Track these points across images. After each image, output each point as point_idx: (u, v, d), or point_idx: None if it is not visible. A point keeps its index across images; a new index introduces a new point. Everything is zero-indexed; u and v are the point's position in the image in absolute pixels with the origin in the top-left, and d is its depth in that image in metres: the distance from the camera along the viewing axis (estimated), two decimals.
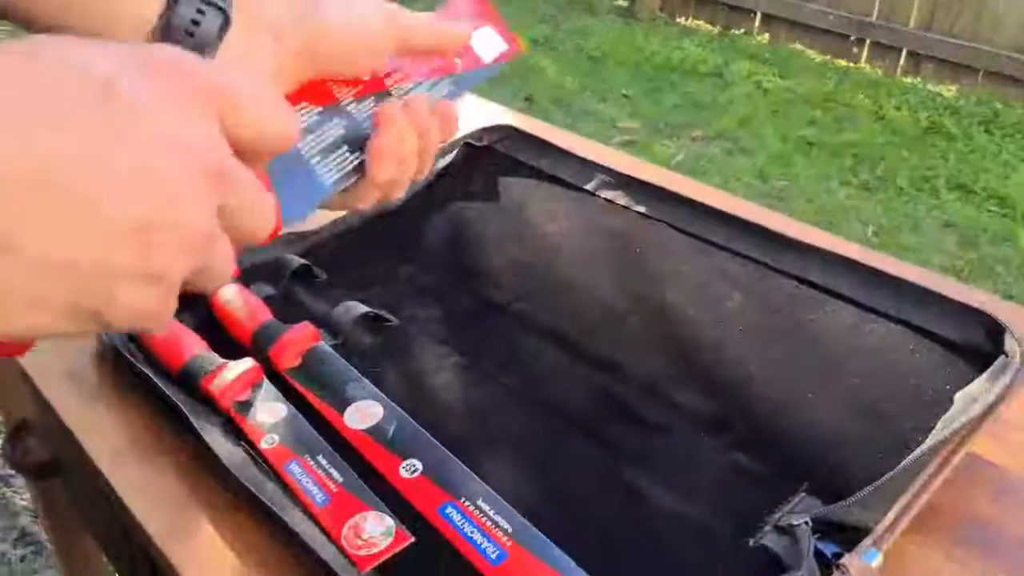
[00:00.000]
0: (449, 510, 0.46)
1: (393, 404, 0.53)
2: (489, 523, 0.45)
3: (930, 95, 3.12)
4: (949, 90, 3.15)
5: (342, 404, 0.53)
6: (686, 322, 0.59)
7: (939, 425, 0.47)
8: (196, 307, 0.62)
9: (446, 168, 0.75)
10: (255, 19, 0.40)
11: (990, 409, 0.47)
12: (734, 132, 2.92)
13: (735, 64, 3.39)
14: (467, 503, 0.46)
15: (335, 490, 0.48)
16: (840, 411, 0.51)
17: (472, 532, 0.45)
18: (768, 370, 0.54)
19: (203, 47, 0.38)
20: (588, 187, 0.70)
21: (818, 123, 2.97)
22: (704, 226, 0.64)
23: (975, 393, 0.48)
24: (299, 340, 0.57)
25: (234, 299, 0.61)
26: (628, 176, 0.69)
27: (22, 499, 1.49)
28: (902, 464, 0.45)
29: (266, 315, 0.60)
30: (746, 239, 0.62)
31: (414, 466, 0.49)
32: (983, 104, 3.01)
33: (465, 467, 0.49)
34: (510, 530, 0.45)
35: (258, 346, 0.57)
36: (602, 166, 0.71)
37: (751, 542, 0.44)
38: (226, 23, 0.39)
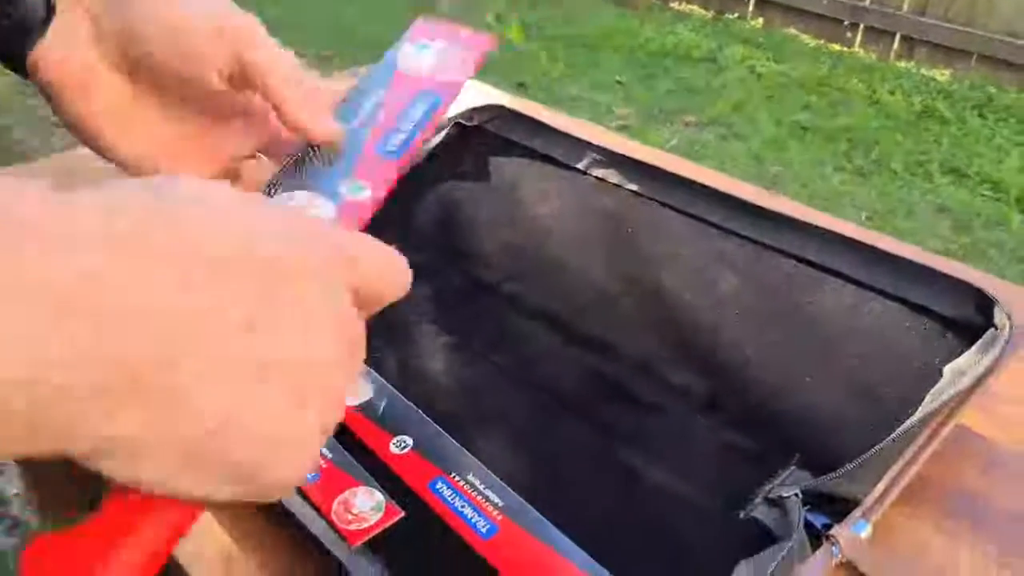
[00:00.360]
0: (439, 485, 0.46)
1: (384, 381, 0.53)
2: (480, 498, 0.45)
3: (924, 79, 3.12)
4: (943, 74, 3.15)
5: None
6: (679, 302, 0.59)
7: (928, 398, 0.47)
8: None
9: (436, 148, 0.75)
10: (75, 3, 0.40)
11: (979, 382, 0.47)
12: (728, 117, 2.92)
13: (729, 49, 3.38)
14: (457, 478, 0.46)
15: (324, 466, 0.48)
16: (830, 386, 0.51)
17: (463, 507, 0.45)
18: (760, 348, 0.54)
19: (29, 31, 0.39)
20: (580, 166, 0.70)
21: (812, 108, 2.96)
22: (699, 205, 0.63)
23: (964, 366, 0.48)
24: None
25: None
26: (621, 155, 0.69)
27: (14, 488, 1.49)
28: (891, 436, 0.45)
29: None
30: (741, 218, 0.62)
31: (404, 442, 0.49)
32: (977, 88, 3.01)
33: (456, 443, 0.49)
34: (501, 504, 0.45)
35: None
36: (595, 145, 0.70)
37: (742, 515, 0.44)
38: (50, 13, 0.39)
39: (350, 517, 0.45)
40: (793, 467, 0.46)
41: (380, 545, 0.44)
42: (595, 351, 0.56)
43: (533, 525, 0.44)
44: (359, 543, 0.43)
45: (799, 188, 2.50)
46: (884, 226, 2.32)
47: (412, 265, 0.65)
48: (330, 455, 0.48)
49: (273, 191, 0.45)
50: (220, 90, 0.42)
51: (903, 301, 0.54)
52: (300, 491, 0.46)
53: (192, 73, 0.41)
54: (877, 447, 0.44)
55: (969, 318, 0.52)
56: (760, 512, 0.44)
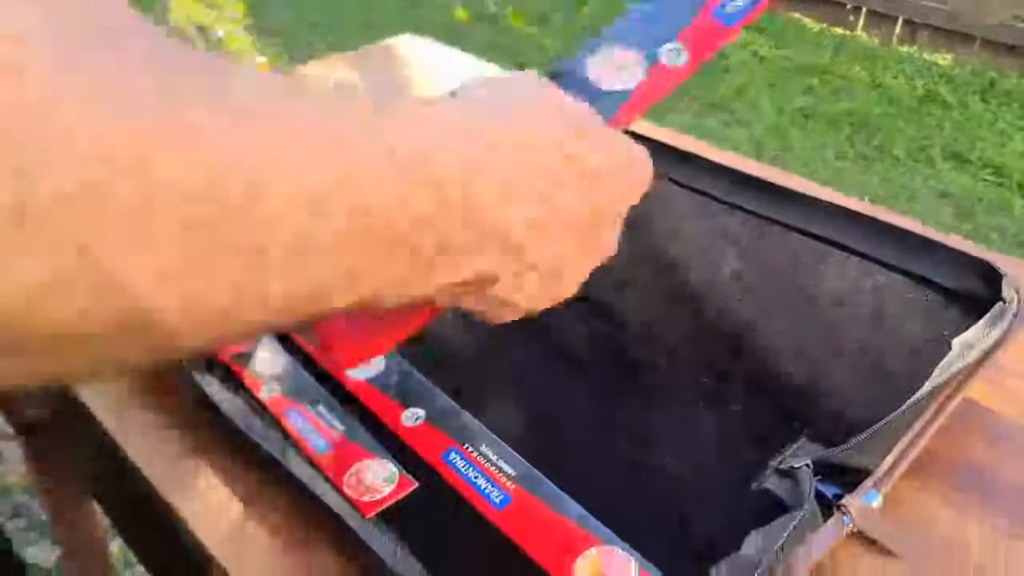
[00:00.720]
0: (452, 456, 0.46)
1: (395, 354, 0.53)
2: (492, 468, 0.45)
3: (926, 64, 3.11)
4: (945, 59, 3.13)
5: None
6: (685, 276, 0.59)
7: (936, 371, 0.48)
8: None
9: None
10: None
11: (987, 355, 0.47)
12: (730, 102, 2.91)
13: None
14: (471, 449, 0.47)
15: (336, 438, 0.48)
16: (839, 359, 0.51)
17: (476, 477, 0.45)
18: (768, 320, 0.54)
19: None
20: None
21: (815, 93, 2.96)
22: (704, 179, 0.63)
23: (972, 339, 0.48)
24: None
25: None
26: (626, 129, 0.69)
27: (13, 474, 1.49)
28: (901, 408, 0.45)
29: None
30: (746, 192, 0.62)
31: (417, 414, 0.49)
32: (979, 73, 3.00)
33: (468, 414, 0.49)
34: (514, 475, 0.45)
35: None
36: None
37: (754, 485, 0.44)
38: None
39: (363, 488, 0.45)
40: (803, 439, 0.47)
41: (394, 516, 0.44)
42: (604, 318, 0.57)
43: (547, 495, 0.44)
44: (372, 514, 0.44)
45: (802, 173, 2.49)
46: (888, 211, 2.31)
47: None
48: (342, 428, 0.48)
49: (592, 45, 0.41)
50: None
51: (910, 274, 0.54)
52: (312, 462, 0.46)
53: None
54: (887, 418, 0.44)
55: (977, 292, 0.52)
56: (771, 483, 0.44)
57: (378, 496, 0.44)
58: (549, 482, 0.45)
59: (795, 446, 0.46)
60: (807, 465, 0.44)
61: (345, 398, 0.51)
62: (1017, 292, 0.49)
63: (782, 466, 0.45)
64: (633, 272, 0.60)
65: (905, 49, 3.23)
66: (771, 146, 2.66)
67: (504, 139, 0.30)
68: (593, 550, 0.41)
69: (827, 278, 0.56)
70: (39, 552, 1.41)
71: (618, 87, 0.40)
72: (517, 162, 0.31)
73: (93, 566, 1.07)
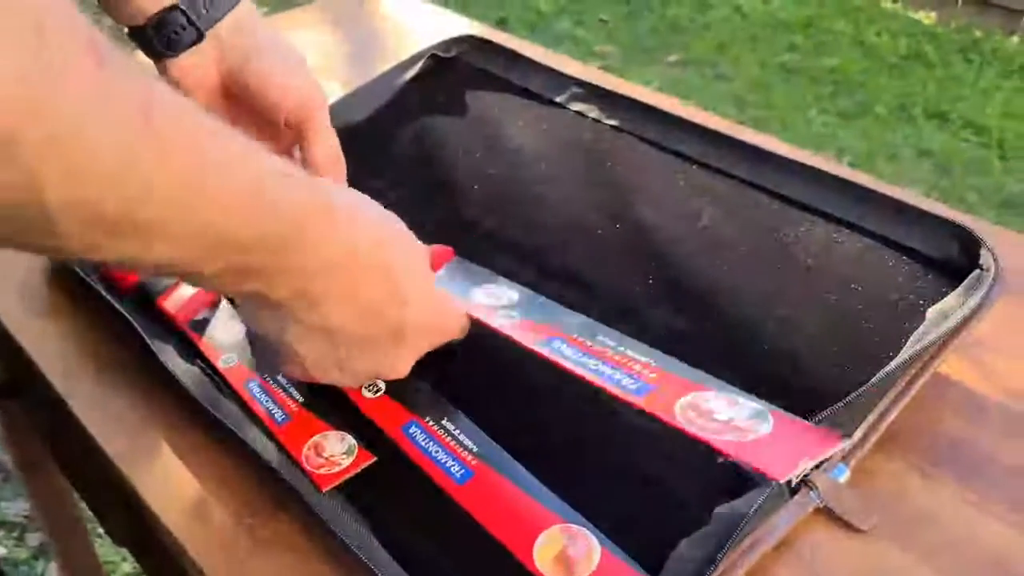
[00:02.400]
0: (413, 429, 0.45)
1: None
2: (453, 442, 0.44)
3: (910, 21, 3.08)
4: (929, 17, 3.10)
5: None
6: (658, 239, 0.57)
7: (910, 341, 0.47)
8: None
9: (412, 80, 0.73)
10: (213, 34, 0.53)
11: (963, 324, 0.46)
12: (712, 57, 2.87)
13: None
14: (431, 422, 0.45)
15: (295, 409, 0.46)
16: (812, 328, 0.50)
17: (436, 451, 0.44)
18: (740, 287, 0.53)
19: (175, 49, 0.52)
20: (559, 100, 0.68)
21: (798, 49, 2.92)
22: (678, 140, 0.62)
23: (948, 308, 0.47)
24: None
25: None
26: (601, 88, 0.67)
27: None
28: (872, 380, 0.44)
29: None
30: (721, 153, 0.60)
31: (376, 386, 0.48)
32: (962, 31, 2.97)
33: (429, 387, 0.48)
34: (476, 450, 0.44)
35: None
36: (574, 78, 0.68)
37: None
38: (199, 38, 0.53)
39: (321, 461, 0.44)
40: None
41: (353, 490, 0.43)
42: (573, 287, 0.55)
43: (509, 471, 0.43)
44: (329, 487, 0.43)
45: (782, 130, 2.48)
46: (866, 169, 2.31)
47: (389, 202, 0.63)
48: (301, 399, 0.47)
49: None
50: (282, 129, 0.54)
51: (886, 240, 0.53)
52: (271, 435, 0.45)
53: (268, 112, 0.54)
54: (858, 391, 0.43)
55: (954, 258, 0.51)
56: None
57: (336, 469, 0.43)
58: (511, 458, 0.44)
59: None
60: None
61: None
62: (995, 260, 0.48)
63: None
64: (603, 235, 0.59)
65: (889, 6, 3.20)
66: (753, 102, 2.63)
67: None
68: (555, 528, 0.40)
69: (801, 243, 0.54)
70: (12, 506, 1.40)
71: None
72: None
73: (61, 523, 1.06)
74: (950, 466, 0.44)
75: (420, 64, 0.73)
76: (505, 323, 0.49)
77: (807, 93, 2.67)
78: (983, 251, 0.49)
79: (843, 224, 0.54)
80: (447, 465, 0.43)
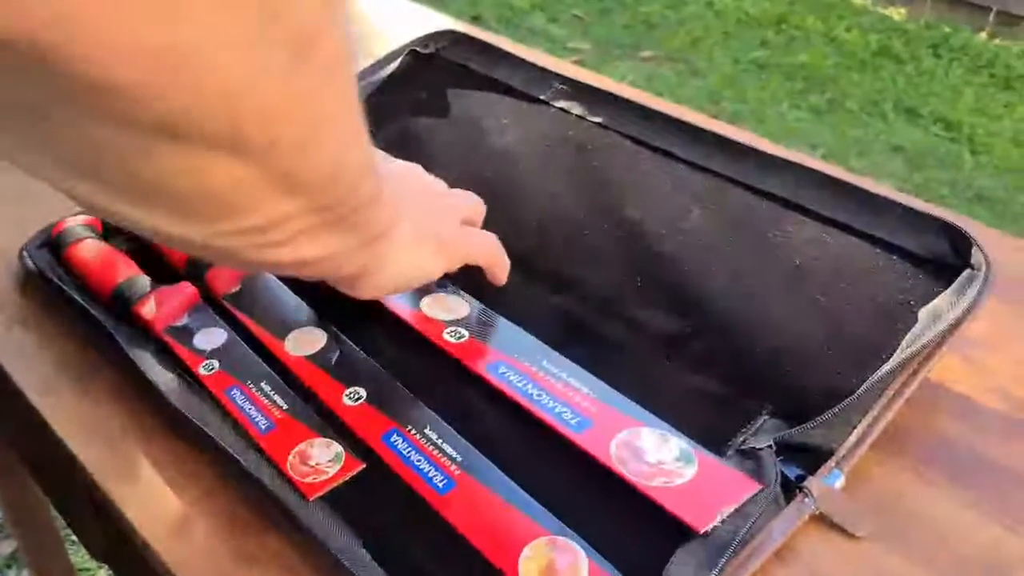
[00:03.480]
0: (394, 438, 0.44)
1: (336, 331, 0.51)
2: (436, 451, 0.43)
3: (880, 17, 3.11)
4: (899, 13, 3.14)
5: (284, 330, 0.51)
6: (645, 238, 0.57)
7: (904, 343, 0.46)
8: (127, 232, 0.58)
9: (391, 77, 0.71)
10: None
11: (955, 325, 0.46)
12: (686, 53, 2.88)
13: None
14: (412, 431, 0.44)
15: (279, 416, 0.45)
16: (803, 329, 0.50)
17: (418, 460, 0.43)
18: (730, 288, 0.52)
19: None
20: (543, 96, 0.67)
21: (770, 45, 2.94)
22: (663, 137, 0.61)
23: (940, 309, 0.47)
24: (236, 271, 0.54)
25: None
26: (585, 84, 0.66)
27: None
28: (865, 385, 0.43)
29: None
30: (707, 151, 0.59)
31: (358, 393, 0.47)
32: (932, 27, 3.00)
33: (411, 394, 0.47)
34: (458, 459, 0.43)
35: (194, 270, 0.54)
36: (557, 74, 0.67)
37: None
38: None
39: (307, 469, 0.43)
40: (765, 416, 0.45)
41: (339, 499, 0.42)
42: (559, 289, 0.54)
43: (493, 481, 0.42)
44: (316, 496, 0.41)
45: (756, 125, 2.49)
46: (839, 164, 2.32)
47: None
48: (285, 406, 0.46)
49: None
50: None
51: (876, 240, 0.52)
52: (255, 444, 0.44)
53: None
54: (853, 396, 0.43)
55: (944, 257, 0.50)
56: (733, 464, 0.43)
57: (323, 477, 0.42)
58: (496, 468, 0.43)
59: (758, 423, 0.45)
60: (770, 445, 0.42)
61: (287, 373, 0.48)
62: (986, 258, 0.48)
63: (744, 446, 0.43)
64: (588, 236, 0.58)
65: (859, 2, 3.23)
66: (726, 97, 2.64)
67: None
68: (542, 540, 0.39)
69: (791, 243, 0.54)
70: None
71: None
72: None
73: (33, 530, 1.04)
74: (945, 468, 0.44)
75: (398, 60, 0.72)
76: (454, 343, 0.49)
77: (780, 89, 2.69)
78: (974, 250, 0.48)
79: (834, 224, 0.53)
80: (429, 475, 0.42)
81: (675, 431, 0.44)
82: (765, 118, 2.54)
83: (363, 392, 0.47)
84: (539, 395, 0.46)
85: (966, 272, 0.48)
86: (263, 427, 0.45)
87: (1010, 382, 0.48)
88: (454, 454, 0.43)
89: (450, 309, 0.52)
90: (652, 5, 3.21)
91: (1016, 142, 2.42)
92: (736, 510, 0.40)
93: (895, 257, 0.51)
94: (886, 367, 0.44)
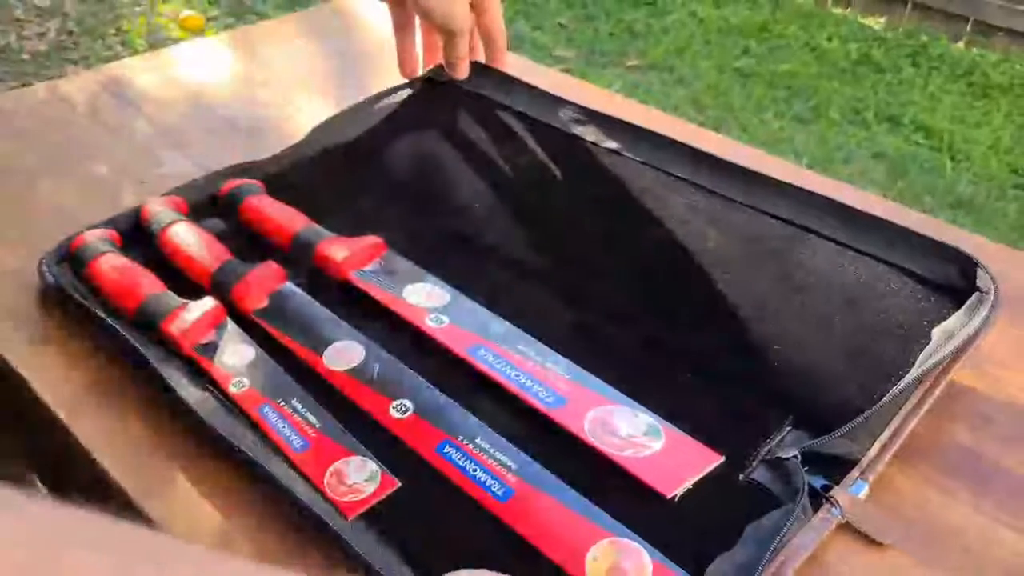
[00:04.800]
0: (447, 449, 0.45)
1: (373, 343, 0.51)
2: (491, 460, 0.44)
3: (860, 27, 3.15)
4: (878, 22, 3.18)
5: (320, 345, 0.51)
6: (671, 260, 0.58)
7: (920, 358, 0.48)
8: (146, 246, 0.58)
9: (406, 102, 0.72)
10: None
11: (968, 342, 0.47)
12: (670, 61, 2.90)
13: None
14: (465, 441, 0.45)
15: (313, 435, 0.46)
16: (820, 345, 0.51)
17: (475, 470, 0.44)
18: (751, 307, 0.54)
19: None
20: (555, 123, 0.68)
21: (752, 53, 2.97)
22: (680, 164, 0.62)
23: (952, 328, 0.49)
24: (265, 279, 0.55)
25: (187, 236, 0.57)
26: (596, 112, 0.67)
27: None
28: (886, 397, 0.45)
29: (224, 253, 0.56)
30: (723, 177, 0.61)
31: (405, 406, 0.47)
32: (911, 36, 3.05)
33: (457, 405, 0.47)
34: (513, 467, 0.44)
35: (219, 287, 0.54)
36: (569, 102, 0.68)
37: (740, 477, 0.44)
38: None
39: (344, 488, 0.43)
40: (789, 428, 0.46)
41: (379, 516, 0.42)
42: (579, 305, 0.55)
43: (549, 487, 0.43)
44: (355, 515, 0.42)
45: (740, 133, 2.52)
46: (823, 171, 2.34)
47: (384, 219, 0.63)
48: (318, 424, 0.46)
49: None
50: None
51: (889, 263, 0.54)
52: (291, 463, 0.44)
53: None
54: (876, 406, 0.44)
55: (953, 280, 0.52)
56: (760, 475, 0.44)
57: (360, 496, 0.43)
58: (548, 472, 0.44)
59: (782, 434, 0.46)
60: (796, 456, 0.43)
61: (322, 391, 0.49)
62: (993, 281, 0.50)
63: (769, 456, 0.44)
64: (606, 256, 0.59)
65: (839, 11, 3.26)
66: (711, 106, 2.66)
67: None
68: (605, 541, 0.40)
69: (809, 267, 0.55)
70: None
71: None
72: None
73: None
74: (966, 479, 0.45)
75: (413, 88, 0.73)
76: (435, 327, 0.52)
77: (763, 97, 2.71)
78: (980, 273, 0.50)
79: (847, 248, 0.55)
80: (486, 484, 0.43)
81: (643, 408, 0.47)
82: (749, 125, 2.57)
83: (410, 404, 0.47)
84: (516, 375, 0.48)
85: (976, 295, 0.50)
86: (297, 446, 0.45)
87: (1021, 393, 0.50)
88: (508, 462, 0.44)
89: (429, 296, 0.54)
90: (635, 13, 3.23)
91: (994, 149, 2.45)
92: (760, 526, 0.41)
93: (908, 281, 0.53)
94: (905, 380, 0.45)
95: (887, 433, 0.45)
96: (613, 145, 0.65)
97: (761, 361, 0.50)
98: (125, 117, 0.78)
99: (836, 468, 0.44)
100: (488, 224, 0.62)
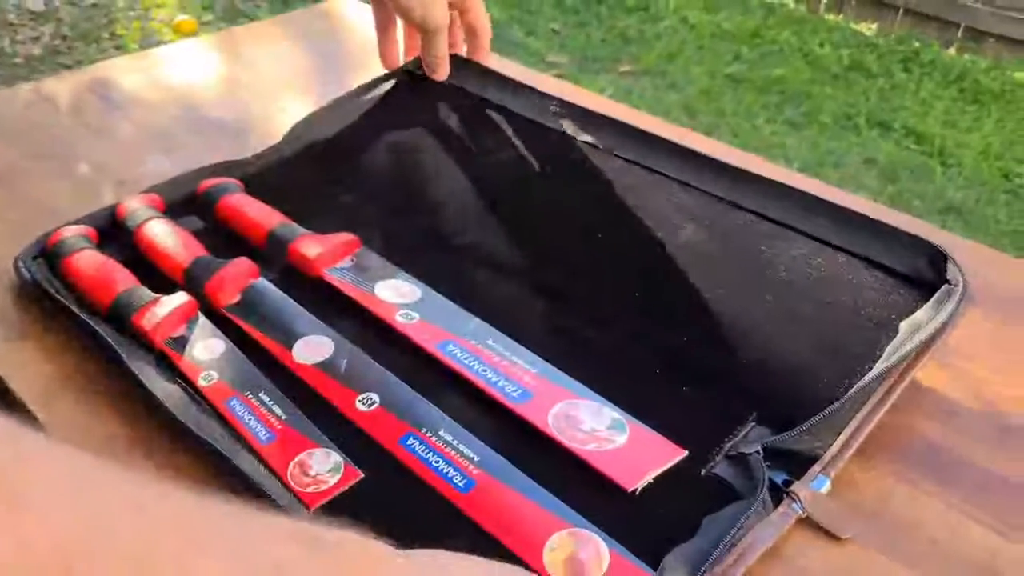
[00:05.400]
0: (411, 441, 0.45)
1: (342, 338, 0.52)
2: (453, 452, 0.45)
3: (852, 33, 3.16)
4: (870, 28, 3.19)
5: (290, 339, 0.51)
6: (637, 253, 0.58)
7: (886, 353, 0.48)
8: (122, 243, 0.58)
9: (385, 98, 0.73)
10: None
11: (935, 336, 0.48)
12: (663, 67, 2.91)
13: None
14: (428, 433, 0.46)
15: (279, 427, 0.46)
16: (788, 340, 0.51)
17: (437, 462, 0.44)
18: (719, 302, 0.54)
19: None
20: (535, 116, 0.68)
21: (744, 59, 2.98)
22: (656, 158, 0.63)
23: (920, 321, 0.49)
24: (238, 275, 0.55)
25: (162, 233, 0.58)
26: (576, 105, 0.68)
27: None
28: (850, 392, 0.45)
29: (199, 250, 0.57)
30: (695, 170, 0.61)
31: (371, 399, 0.48)
32: (902, 42, 3.06)
33: (424, 399, 0.48)
34: (476, 459, 0.44)
35: (192, 282, 0.55)
36: (552, 96, 0.69)
37: (703, 471, 0.44)
38: None
39: (307, 479, 0.44)
40: (752, 423, 0.47)
41: (343, 507, 0.42)
42: (553, 301, 0.56)
43: (510, 479, 0.43)
44: (317, 506, 0.42)
45: (732, 139, 2.52)
46: (813, 176, 2.35)
47: (362, 217, 0.63)
48: (284, 416, 0.47)
49: None
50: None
51: (858, 255, 0.54)
52: (257, 455, 0.45)
53: None
54: (838, 403, 0.45)
55: (922, 272, 0.52)
56: (721, 469, 0.44)
57: (323, 487, 0.43)
58: (509, 464, 0.44)
59: (745, 429, 0.46)
60: (758, 451, 0.44)
61: (291, 385, 0.49)
62: (962, 273, 0.50)
63: (732, 452, 0.45)
64: (580, 252, 0.59)
65: (831, 17, 3.28)
66: (703, 111, 2.67)
67: None
68: (563, 532, 0.40)
69: (776, 260, 0.56)
70: None
71: None
72: None
73: None
74: (929, 473, 0.46)
75: (392, 82, 0.74)
76: (405, 323, 0.52)
77: (755, 102, 2.73)
78: (950, 265, 0.51)
79: (817, 240, 0.56)
80: (448, 475, 0.43)
81: (609, 403, 0.47)
82: (741, 130, 2.58)
83: (376, 398, 0.48)
84: (484, 370, 0.49)
85: (944, 287, 0.50)
86: (263, 438, 0.45)
87: (988, 388, 0.50)
88: (471, 454, 0.44)
89: (401, 292, 0.55)
90: (628, 19, 3.24)
91: (984, 155, 2.47)
92: (727, 513, 0.41)
93: (876, 273, 0.53)
94: (869, 375, 0.46)
95: (850, 429, 0.45)
96: (589, 139, 0.66)
97: (728, 356, 0.51)
98: (110, 118, 0.79)
99: (799, 464, 0.45)
100: (464, 222, 0.62)
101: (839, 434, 0.45)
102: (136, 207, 0.60)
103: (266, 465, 0.44)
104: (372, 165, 0.68)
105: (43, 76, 2.67)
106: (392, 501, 0.43)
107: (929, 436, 0.48)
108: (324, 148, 0.69)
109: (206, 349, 0.51)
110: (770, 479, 0.43)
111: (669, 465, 0.44)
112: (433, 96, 0.72)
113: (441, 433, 0.46)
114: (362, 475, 0.44)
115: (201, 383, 0.49)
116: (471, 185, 0.65)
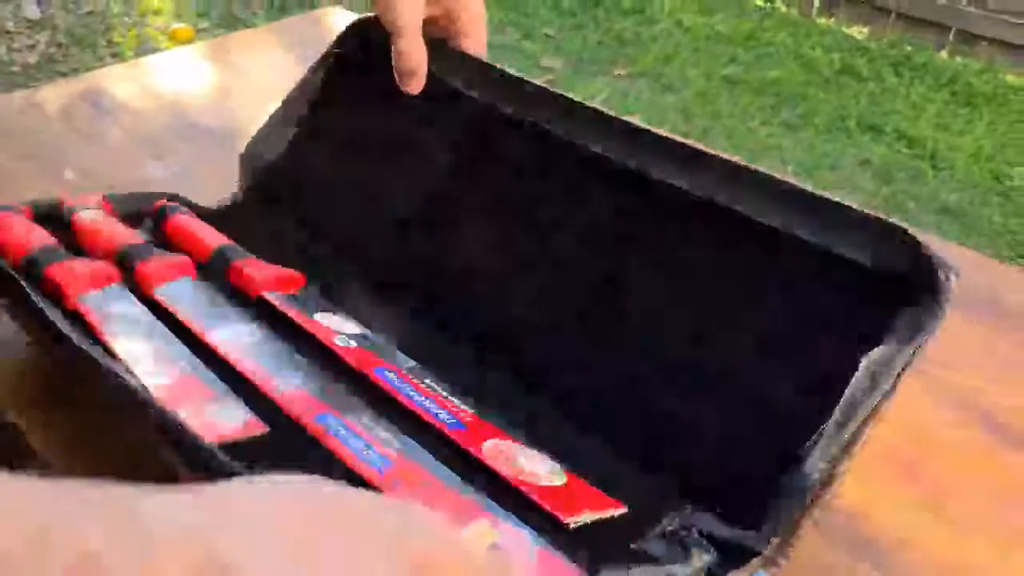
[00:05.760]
0: (329, 420, 0.43)
1: (269, 327, 0.51)
2: (372, 436, 0.43)
3: (844, 36, 3.17)
4: (861, 32, 3.20)
5: (215, 322, 0.50)
6: (589, 252, 0.53)
7: (836, 413, 0.41)
8: (56, 226, 0.55)
9: (320, 93, 0.68)
10: None
11: (891, 389, 0.41)
12: (658, 69, 2.92)
13: (657, 0, 3.37)
14: (350, 418, 0.44)
15: (178, 377, 0.45)
16: (724, 389, 0.46)
17: (354, 442, 0.42)
18: (666, 356, 0.48)
19: None
20: (466, 89, 0.64)
21: (740, 61, 2.99)
22: (610, 143, 0.54)
23: (882, 358, 0.41)
24: (173, 265, 0.54)
25: (100, 221, 0.57)
26: (503, 72, 0.64)
27: None
28: (808, 497, 0.40)
29: (138, 239, 0.56)
30: (653, 155, 0.52)
31: (293, 382, 0.46)
32: (894, 46, 3.07)
33: (342, 385, 0.47)
34: (396, 445, 0.43)
35: (124, 261, 0.53)
36: (493, 67, 0.65)
37: (633, 545, 0.40)
38: None
39: (201, 423, 0.41)
40: (689, 505, 0.43)
41: (242, 451, 0.40)
42: (496, 360, 0.52)
43: (428, 464, 0.42)
44: (216, 440, 0.40)
45: (727, 141, 2.53)
46: (809, 178, 2.36)
47: (311, 258, 0.59)
48: (189, 368, 0.46)
49: None
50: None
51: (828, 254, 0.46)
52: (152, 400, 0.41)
53: None
54: (781, 498, 0.40)
55: (898, 268, 0.45)
56: (658, 547, 0.41)
57: (221, 431, 0.42)
58: (430, 455, 0.42)
59: (685, 511, 0.43)
60: (701, 532, 0.41)
61: (210, 360, 0.48)
62: (948, 277, 0.42)
63: (670, 527, 0.42)
64: (535, 252, 0.55)
65: (824, 21, 3.29)
66: (699, 114, 2.68)
67: None
68: (484, 521, 0.38)
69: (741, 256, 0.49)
70: None
71: None
72: None
73: None
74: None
75: (323, 71, 0.68)
76: (342, 346, 0.50)
77: (750, 104, 2.73)
78: (939, 269, 0.43)
79: (791, 237, 0.47)
80: (364, 454, 0.41)
81: (546, 456, 0.44)
82: (737, 133, 2.58)
83: (298, 381, 0.46)
84: (420, 400, 0.46)
85: (909, 311, 0.42)
86: (164, 382, 0.44)
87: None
88: (391, 440, 0.43)
89: (339, 325, 0.53)
90: (624, 22, 3.25)
91: (976, 157, 2.47)
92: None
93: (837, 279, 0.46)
94: (813, 475, 0.40)
95: (792, 528, 0.41)
96: (529, 116, 0.59)
97: (665, 422, 0.47)
98: (101, 124, 0.79)
99: (737, 552, 0.40)
100: (410, 265, 0.59)
101: (778, 532, 0.40)
102: (78, 201, 0.58)
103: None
104: (316, 197, 0.64)
105: (39, 84, 2.67)
106: (298, 466, 0.39)
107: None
108: (265, 175, 0.66)
109: (122, 315, 0.49)
110: (709, 570, 0.39)
111: (607, 514, 0.41)
112: (364, 82, 0.66)
113: (363, 420, 0.44)
114: (267, 429, 0.43)
115: (108, 340, 0.47)
116: (421, 215, 0.60)
